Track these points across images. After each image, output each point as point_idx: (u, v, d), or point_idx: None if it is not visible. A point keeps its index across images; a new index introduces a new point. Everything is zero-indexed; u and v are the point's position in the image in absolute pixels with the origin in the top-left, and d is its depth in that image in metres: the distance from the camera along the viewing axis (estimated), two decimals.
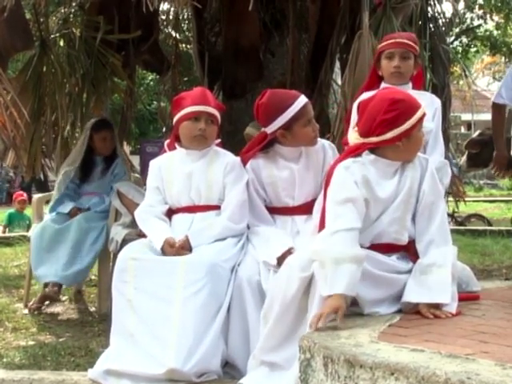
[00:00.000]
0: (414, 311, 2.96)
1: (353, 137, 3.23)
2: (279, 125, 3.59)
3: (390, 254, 3.09)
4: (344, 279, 2.81)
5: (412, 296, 2.98)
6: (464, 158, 7.93)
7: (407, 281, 3.03)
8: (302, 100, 3.61)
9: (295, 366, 2.79)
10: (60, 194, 5.46)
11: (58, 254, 5.15)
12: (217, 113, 3.76)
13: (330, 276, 2.82)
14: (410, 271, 3.05)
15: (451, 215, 10.77)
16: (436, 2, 5.81)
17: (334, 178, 3.09)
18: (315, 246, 2.95)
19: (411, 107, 3.10)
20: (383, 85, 3.91)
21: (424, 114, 3.13)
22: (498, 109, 5.20)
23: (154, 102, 15.14)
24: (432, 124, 3.90)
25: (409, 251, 3.13)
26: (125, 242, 4.74)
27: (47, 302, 5.30)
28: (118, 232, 5.12)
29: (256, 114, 3.69)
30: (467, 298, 3.29)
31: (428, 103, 3.93)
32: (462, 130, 26.39)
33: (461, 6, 14.80)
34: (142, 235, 3.81)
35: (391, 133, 3.06)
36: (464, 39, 17.43)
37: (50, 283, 5.19)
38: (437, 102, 3.99)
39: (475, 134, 7.82)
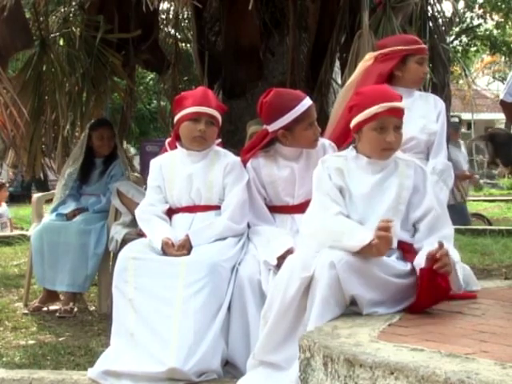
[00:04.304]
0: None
1: None
2: (281, 125, 3.60)
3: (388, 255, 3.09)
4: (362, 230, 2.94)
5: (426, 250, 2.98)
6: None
7: (406, 284, 3.02)
8: (306, 103, 3.61)
9: (294, 366, 2.80)
10: (65, 195, 5.48)
11: (61, 260, 5.16)
12: (217, 114, 3.76)
13: (348, 235, 2.92)
14: (408, 274, 3.04)
15: None
16: (436, 2, 5.81)
17: (314, 172, 3.26)
18: (309, 229, 3.11)
19: (368, 100, 3.17)
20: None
21: (380, 113, 3.13)
22: (508, 107, 5.22)
23: (154, 102, 15.12)
24: (436, 126, 3.92)
25: (404, 250, 3.12)
26: (124, 241, 4.74)
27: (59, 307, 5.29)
28: (117, 231, 5.12)
29: (259, 111, 3.70)
30: (464, 296, 3.30)
31: (431, 105, 3.96)
32: (462, 129, 26.35)
33: (461, 5, 14.86)
34: (141, 234, 3.82)
35: (354, 120, 3.19)
36: (464, 38, 17.45)
37: (65, 295, 5.24)
38: (440, 105, 4.01)
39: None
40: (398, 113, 3.18)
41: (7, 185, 16.89)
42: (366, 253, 2.90)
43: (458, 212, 9.43)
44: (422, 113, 3.91)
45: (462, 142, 10.40)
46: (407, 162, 3.24)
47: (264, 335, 3.06)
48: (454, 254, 3.03)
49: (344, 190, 3.16)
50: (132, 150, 12.45)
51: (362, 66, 4.05)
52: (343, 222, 3.07)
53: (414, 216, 3.15)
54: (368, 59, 4.04)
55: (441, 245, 2.91)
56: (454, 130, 9.92)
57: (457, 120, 10.13)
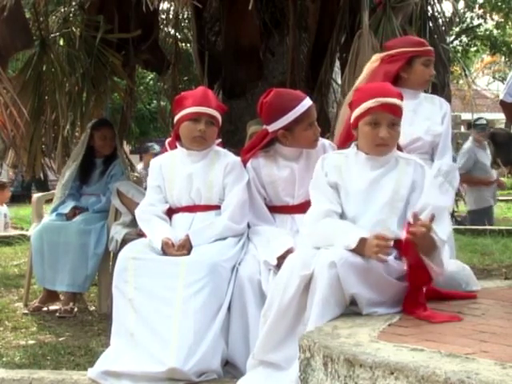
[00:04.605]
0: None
1: None
2: (281, 125, 3.60)
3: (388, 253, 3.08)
4: (353, 231, 2.95)
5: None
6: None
7: (406, 286, 3.01)
8: (306, 103, 3.61)
9: (294, 365, 2.80)
10: (65, 195, 5.48)
11: (61, 260, 5.16)
12: (217, 114, 3.76)
13: (342, 236, 2.94)
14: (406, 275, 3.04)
15: (451, 214, 10.75)
16: (436, 2, 5.81)
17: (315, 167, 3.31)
18: (306, 229, 3.19)
19: (364, 96, 3.20)
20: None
21: (373, 108, 3.13)
22: (508, 107, 5.24)
23: (154, 102, 15.13)
24: (440, 127, 3.94)
25: (400, 249, 3.12)
26: (124, 241, 4.74)
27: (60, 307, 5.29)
28: (117, 231, 5.12)
29: (259, 111, 3.71)
30: (464, 296, 3.30)
31: (437, 107, 4.00)
32: (462, 129, 26.31)
33: (461, 5, 14.85)
34: (141, 234, 3.82)
35: (352, 116, 3.23)
36: (464, 38, 17.45)
37: (65, 295, 5.24)
38: (445, 107, 4.04)
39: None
40: (393, 109, 3.17)
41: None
42: (357, 252, 2.91)
43: (490, 215, 9.45)
44: (426, 115, 3.94)
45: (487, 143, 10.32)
46: (407, 160, 3.25)
47: (264, 334, 3.06)
48: (442, 234, 2.99)
49: (339, 186, 3.19)
50: (156, 147, 12.39)
51: (368, 67, 4.06)
52: (334, 224, 3.09)
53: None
54: (374, 60, 4.05)
55: (432, 217, 2.89)
56: (481, 131, 9.86)
57: (484, 122, 10.00)
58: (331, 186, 3.20)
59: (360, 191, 3.15)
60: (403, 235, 3.10)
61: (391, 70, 3.93)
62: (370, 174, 3.17)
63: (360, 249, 2.91)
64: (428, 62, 3.97)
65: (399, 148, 3.34)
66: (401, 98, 3.24)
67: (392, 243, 3.01)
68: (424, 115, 3.92)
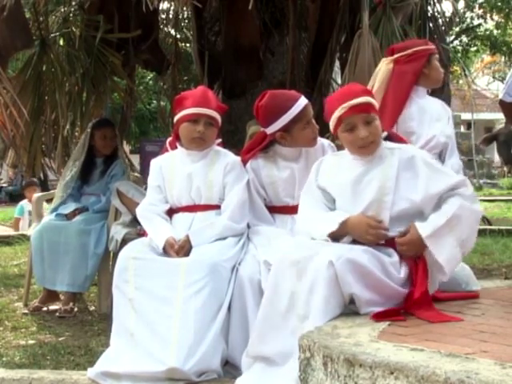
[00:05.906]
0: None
1: None
2: (278, 127, 3.60)
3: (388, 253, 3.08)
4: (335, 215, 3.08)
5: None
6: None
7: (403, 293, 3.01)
8: (302, 102, 3.61)
9: (290, 362, 2.80)
10: (66, 194, 5.48)
11: (61, 259, 5.16)
12: (217, 115, 3.75)
13: (325, 223, 3.07)
14: (404, 283, 3.02)
15: None
16: (436, 2, 5.82)
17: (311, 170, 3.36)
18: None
19: (331, 105, 3.21)
20: (415, 87, 3.99)
21: (343, 115, 3.13)
22: (507, 107, 5.26)
23: (154, 102, 15.15)
24: (449, 129, 4.00)
25: (394, 248, 3.11)
26: (124, 241, 4.74)
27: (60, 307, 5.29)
28: (117, 231, 5.12)
29: (256, 115, 3.71)
30: (464, 296, 3.30)
31: (442, 110, 4.11)
32: (462, 129, 26.35)
33: (461, 5, 14.86)
34: (141, 234, 3.81)
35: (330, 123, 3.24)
36: (464, 38, 17.47)
37: (65, 295, 5.24)
38: (448, 109, 4.16)
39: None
40: (363, 108, 3.13)
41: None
42: (340, 233, 3.02)
43: None
44: (437, 116, 4.02)
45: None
46: (392, 149, 3.21)
47: (256, 325, 3.07)
48: (441, 253, 2.99)
49: (328, 188, 3.23)
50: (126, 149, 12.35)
51: (384, 70, 4.09)
52: (313, 217, 3.19)
53: (417, 199, 3.10)
54: (388, 63, 4.09)
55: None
56: None
57: None
58: (321, 189, 3.26)
59: (346, 190, 3.17)
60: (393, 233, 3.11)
61: (417, 68, 4.03)
62: (354, 172, 3.18)
63: (342, 230, 3.02)
64: (438, 59, 4.12)
65: (391, 138, 3.36)
66: (367, 93, 3.24)
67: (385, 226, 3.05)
68: (435, 116, 4.00)
